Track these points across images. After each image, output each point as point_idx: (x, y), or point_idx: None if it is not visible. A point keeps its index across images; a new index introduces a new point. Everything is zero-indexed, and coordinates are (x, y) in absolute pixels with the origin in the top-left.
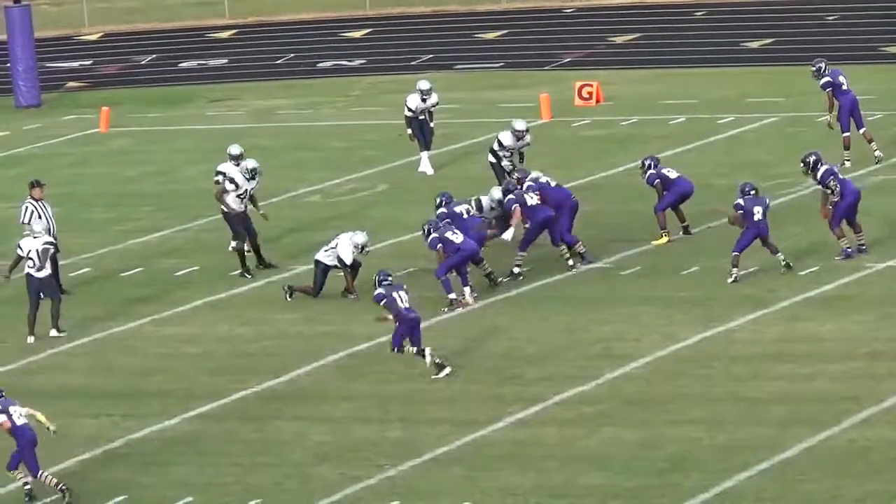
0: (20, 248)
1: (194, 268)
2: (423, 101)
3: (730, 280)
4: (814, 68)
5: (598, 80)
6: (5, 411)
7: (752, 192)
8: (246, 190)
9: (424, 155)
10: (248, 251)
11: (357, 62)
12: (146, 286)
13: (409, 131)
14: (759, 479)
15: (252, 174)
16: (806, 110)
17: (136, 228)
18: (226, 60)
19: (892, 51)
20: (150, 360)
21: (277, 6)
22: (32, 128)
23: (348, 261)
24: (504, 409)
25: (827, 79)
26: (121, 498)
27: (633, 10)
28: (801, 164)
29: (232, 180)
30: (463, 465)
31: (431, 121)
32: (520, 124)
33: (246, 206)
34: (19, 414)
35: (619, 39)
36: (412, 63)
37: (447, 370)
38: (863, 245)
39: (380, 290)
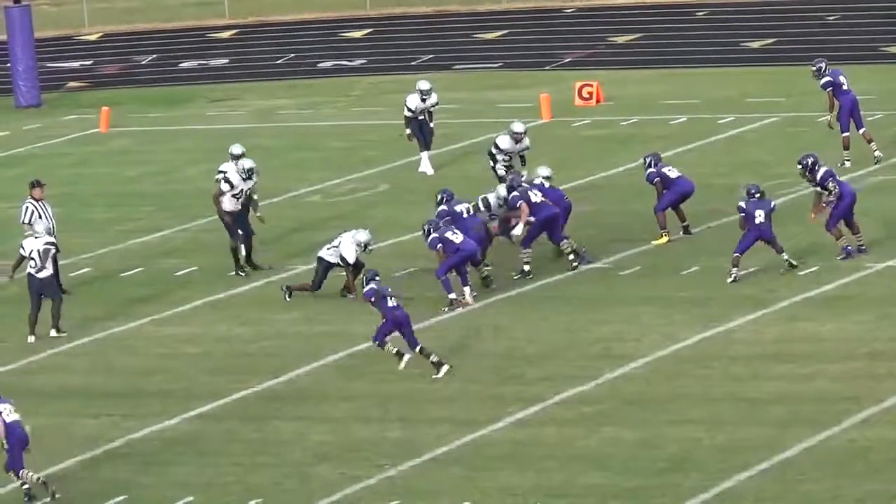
0: (23, 248)
1: (194, 268)
2: (423, 101)
3: (729, 280)
4: (814, 68)
5: (599, 80)
6: None
7: (757, 196)
8: (242, 190)
9: (424, 155)
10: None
11: (357, 62)
12: (146, 286)
13: (408, 131)
14: (759, 480)
15: (248, 174)
16: (807, 110)
17: (137, 228)
18: (226, 60)
19: (893, 51)
20: (150, 360)
21: (278, 6)
22: (32, 128)
23: (351, 259)
24: (504, 409)
25: (827, 78)
26: (121, 498)
27: (633, 10)
28: (799, 166)
29: (227, 180)
30: (462, 464)
31: (431, 121)
32: (517, 126)
33: (242, 205)
34: (10, 411)
35: (620, 39)
36: (413, 63)
37: (445, 367)
38: (862, 245)
39: (370, 287)
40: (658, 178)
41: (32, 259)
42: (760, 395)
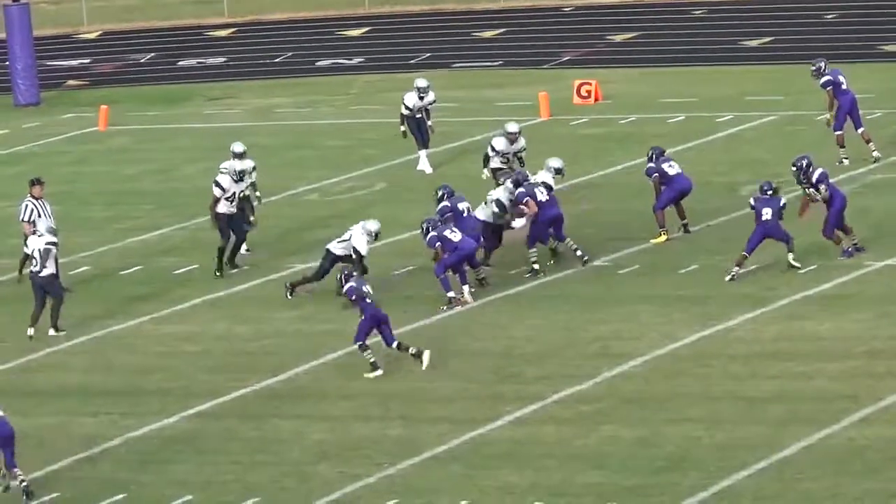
0: (26, 246)
1: (193, 266)
2: (421, 98)
3: (727, 278)
4: (813, 67)
5: (597, 79)
6: None
7: (769, 193)
8: (234, 193)
9: (423, 153)
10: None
11: (355, 60)
12: (145, 284)
13: (403, 128)
14: (758, 478)
15: (239, 176)
16: (805, 109)
17: (135, 227)
18: (224, 59)
19: (891, 49)
20: (149, 359)
21: (276, 5)
22: (31, 126)
23: (364, 250)
24: (503, 408)
25: (827, 77)
26: (120, 496)
27: (631, 8)
28: (793, 168)
29: (218, 184)
30: (462, 463)
31: (429, 119)
32: (512, 126)
33: (238, 208)
34: None
35: (618, 38)
36: (411, 61)
37: (427, 354)
38: (857, 244)
39: (351, 284)
40: (656, 174)
41: (34, 258)
42: (759, 393)
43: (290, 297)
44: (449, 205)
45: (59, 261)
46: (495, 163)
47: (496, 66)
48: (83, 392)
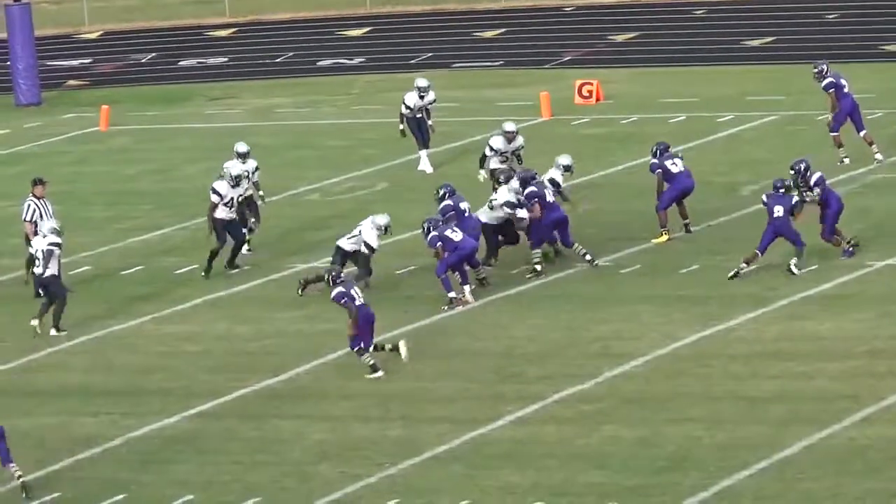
0: (31, 246)
1: (194, 266)
2: (421, 98)
3: (731, 273)
4: (815, 70)
5: (598, 79)
6: None
7: (782, 191)
8: (232, 198)
9: (423, 153)
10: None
11: (356, 60)
12: (146, 284)
13: (401, 127)
14: (759, 478)
15: (236, 181)
16: (806, 109)
17: (136, 227)
18: (225, 59)
19: (891, 49)
20: (149, 359)
21: (277, 4)
22: (32, 126)
23: (375, 245)
24: (504, 408)
25: (830, 80)
26: (120, 496)
27: (632, 8)
28: (791, 172)
29: (216, 191)
30: (463, 463)
31: (429, 118)
32: (509, 126)
33: (239, 213)
34: None
35: (619, 37)
36: (411, 61)
37: (403, 343)
38: (851, 246)
39: (339, 289)
40: (659, 170)
41: (36, 258)
42: (760, 393)
43: (300, 294)
44: (451, 203)
45: (61, 261)
46: (494, 163)
47: (497, 66)
48: (84, 392)
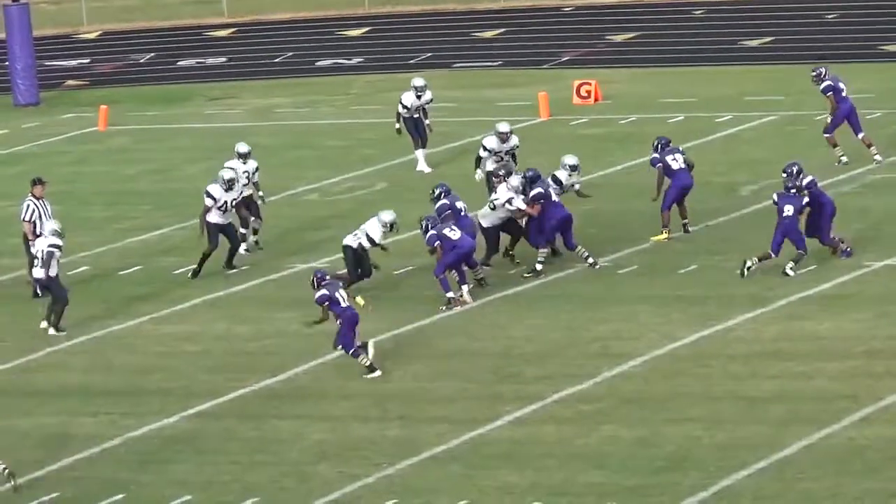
0: (34, 246)
1: (193, 266)
2: (418, 97)
3: (739, 270)
4: (814, 73)
5: (597, 79)
6: None
7: (793, 190)
8: (226, 202)
9: (420, 153)
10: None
11: (355, 61)
12: (145, 284)
13: (398, 125)
14: (758, 478)
15: (229, 185)
16: (805, 109)
17: (135, 227)
18: (224, 59)
19: (891, 49)
20: (148, 359)
21: (276, 4)
22: (31, 126)
23: (378, 238)
24: (502, 408)
25: (828, 83)
26: (119, 496)
27: (631, 8)
28: (784, 175)
29: (209, 194)
30: (461, 463)
31: (426, 118)
32: (503, 126)
33: (240, 216)
34: None
35: (618, 38)
36: (411, 61)
37: (370, 342)
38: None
39: (323, 292)
40: (660, 164)
41: (37, 258)
42: (759, 393)
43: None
44: (448, 202)
45: (60, 261)
46: (489, 164)
47: (496, 66)
48: (83, 392)
